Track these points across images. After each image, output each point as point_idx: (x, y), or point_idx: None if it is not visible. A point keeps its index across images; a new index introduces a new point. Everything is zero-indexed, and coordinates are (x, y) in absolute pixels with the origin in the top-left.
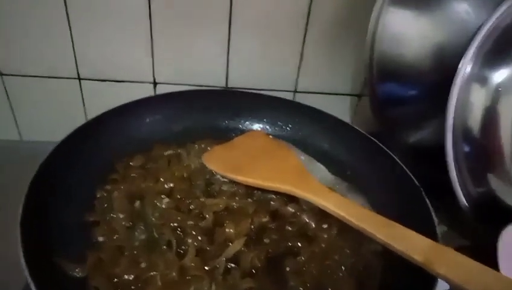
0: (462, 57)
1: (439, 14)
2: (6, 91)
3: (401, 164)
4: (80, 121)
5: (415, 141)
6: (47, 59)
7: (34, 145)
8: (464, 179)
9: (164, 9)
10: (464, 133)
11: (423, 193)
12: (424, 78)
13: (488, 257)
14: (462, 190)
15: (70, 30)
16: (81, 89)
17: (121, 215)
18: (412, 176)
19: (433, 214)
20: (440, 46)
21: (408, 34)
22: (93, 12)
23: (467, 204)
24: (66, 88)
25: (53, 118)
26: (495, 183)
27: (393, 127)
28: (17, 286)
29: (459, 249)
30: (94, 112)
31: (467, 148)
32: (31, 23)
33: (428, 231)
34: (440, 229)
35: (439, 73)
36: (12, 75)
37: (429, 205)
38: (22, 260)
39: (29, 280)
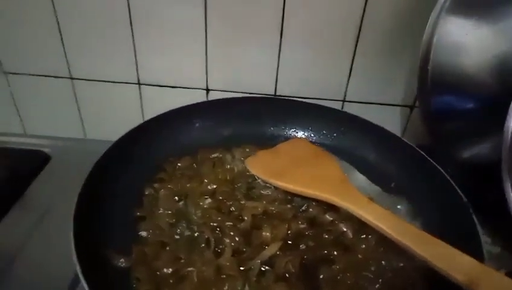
0: None
1: (501, 24)
2: (74, 93)
3: (449, 178)
4: (138, 122)
5: (469, 157)
6: (114, 67)
7: (98, 143)
8: None
9: (218, 20)
10: None
11: (471, 209)
12: (482, 91)
13: None
14: None
15: (133, 40)
16: (140, 94)
17: (166, 212)
18: (460, 192)
19: (480, 232)
20: (501, 57)
21: (467, 44)
22: (153, 23)
23: None
24: (127, 92)
25: (115, 119)
26: None
27: (446, 141)
28: (67, 275)
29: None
30: (151, 115)
31: None
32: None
33: (475, 251)
34: (494, 249)
35: (499, 86)
36: (81, 79)
37: (476, 222)
38: (73, 249)
39: (78, 268)
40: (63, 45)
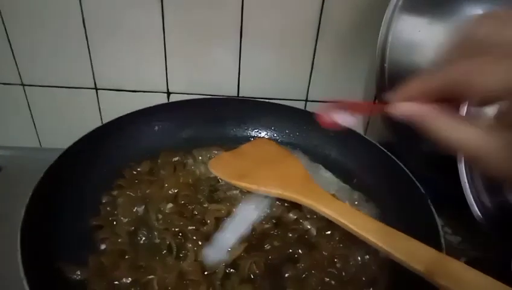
0: None
1: (452, 21)
2: (27, 100)
3: (408, 171)
4: None
5: (428, 151)
6: (66, 71)
7: (53, 152)
8: (478, 189)
9: (176, 23)
10: None
11: (429, 200)
12: None
13: (503, 270)
14: (475, 200)
15: (88, 45)
16: (97, 99)
17: (125, 220)
18: (418, 184)
19: (438, 223)
20: None
21: (420, 41)
22: (108, 27)
23: (481, 215)
24: (83, 98)
25: (72, 126)
26: (511, 194)
27: (406, 137)
28: None
29: (472, 260)
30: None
31: None
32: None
33: (433, 241)
34: (454, 239)
35: None
36: (33, 85)
37: (435, 213)
38: (20, 263)
39: (25, 283)
40: (12, 50)
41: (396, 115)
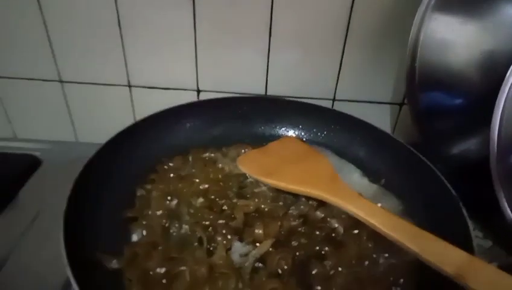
0: (511, 65)
1: (487, 20)
2: (65, 96)
3: (439, 173)
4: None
5: (459, 153)
6: (101, 69)
7: (89, 146)
8: (510, 192)
9: (207, 22)
10: (511, 145)
11: (461, 203)
12: (470, 87)
13: None
14: (508, 204)
15: (122, 44)
16: (131, 96)
17: (158, 213)
18: (450, 186)
19: (470, 225)
20: (488, 53)
21: (453, 41)
22: (142, 27)
23: None
24: (117, 94)
25: (107, 121)
26: None
27: (435, 138)
28: (59, 279)
29: (505, 266)
30: (142, 117)
31: None
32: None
33: (465, 244)
34: (485, 244)
35: (487, 82)
36: (70, 82)
37: (466, 216)
38: (63, 252)
39: (69, 271)
40: (52, 48)
41: None
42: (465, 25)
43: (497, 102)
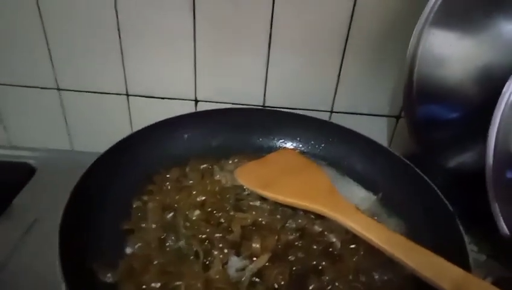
0: (507, 79)
1: (483, 36)
2: (62, 104)
3: (435, 188)
4: (127, 133)
5: (455, 166)
6: (99, 77)
7: (85, 155)
8: (506, 206)
9: (207, 31)
10: (507, 159)
11: (457, 219)
12: (467, 101)
13: None
14: (503, 217)
15: (121, 52)
16: (128, 105)
17: (154, 225)
18: (446, 201)
19: (466, 242)
20: (485, 67)
21: (451, 55)
22: (141, 35)
23: (508, 233)
24: (115, 103)
25: (104, 130)
26: None
27: (432, 150)
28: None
29: (500, 280)
30: (139, 126)
31: (509, 175)
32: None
33: (461, 260)
34: (480, 257)
35: (484, 96)
36: (68, 90)
37: (463, 232)
38: (58, 263)
39: (64, 283)
40: (50, 55)
41: None
42: (462, 40)
43: (493, 116)
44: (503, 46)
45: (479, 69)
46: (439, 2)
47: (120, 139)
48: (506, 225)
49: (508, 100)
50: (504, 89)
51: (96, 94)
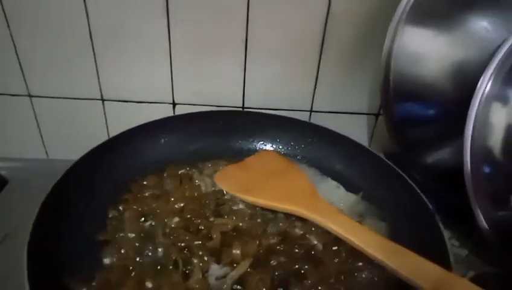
0: (481, 75)
1: (457, 33)
2: (34, 111)
3: (415, 187)
4: (103, 140)
5: (434, 162)
6: (73, 82)
7: (60, 163)
8: (484, 201)
9: (182, 34)
10: (484, 154)
11: (436, 217)
12: (443, 97)
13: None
14: (482, 212)
15: (94, 57)
16: (104, 110)
17: (131, 235)
18: (426, 200)
19: (446, 239)
20: (459, 64)
21: (425, 53)
22: (114, 38)
23: (487, 227)
24: (90, 109)
25: (79, 137)
26: None
27: (411, 148)
28: None
29: (480, 274)
30: (116, 131)
31: (487, 170)
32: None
33: (442, 258)
34: (462, 252)
35: (459, 92)
36: (40, 96)
37: (442, 230)
38: (25, 280)
39: None
40: (19, 61)
41: None
42: (436, 37)
43: (468, 112)
44: (476, 43)
45: (453, 66)
46: (412, 1)
47: (94, 147)
48: (485, 219)
49: (482, 96)
50: (478, 85)
51: (70, 100)
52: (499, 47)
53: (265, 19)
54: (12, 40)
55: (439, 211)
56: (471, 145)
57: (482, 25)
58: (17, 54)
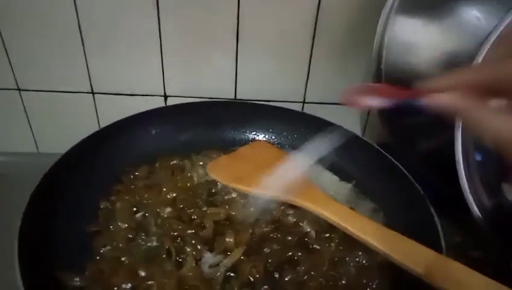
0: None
1: (448, 22)
2: (24, 105)
3: (408, 174)
4: None
5: (427, 151)
6: (62, 76)
7: (50, 156)
8: (476, 189)
9: (173, 26)
10: (475, 142)
11: (428, 201)
12: None
13: (503, 271)
14: (474, 200)
15: (84, 50)
16: (94, 103)
17: (123, 226)
18: (419, 187)
19: (438, 224)
20: (450, 53)
21: (417, 42)
22: (104, 31)
23: (480, 215)
24: (80, 102)
25: (70, 130)
26: (510, 193)
27: (404, 137)
28: None
29: (472, 261)
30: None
31: (479, 158)
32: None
33: (434, 242)
34: (454, 240)
35: None
36: (29, 90)
37: (434, 214)
38: (17, 272)
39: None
40: (8, 55)
41: (431, 104)
42: (428, 26)
43: None
44: (467, 32)
45: (444, 55)
46: None
47: (84, 138)
48: (476, 207)
49: None
50: None
51: (60, 93)
52: (489, 35)
53: (256, 10)
54: (0, 34)
55: (432, 199)
56: (462, 133)
57: (473, 14)
58: (5, 47)
